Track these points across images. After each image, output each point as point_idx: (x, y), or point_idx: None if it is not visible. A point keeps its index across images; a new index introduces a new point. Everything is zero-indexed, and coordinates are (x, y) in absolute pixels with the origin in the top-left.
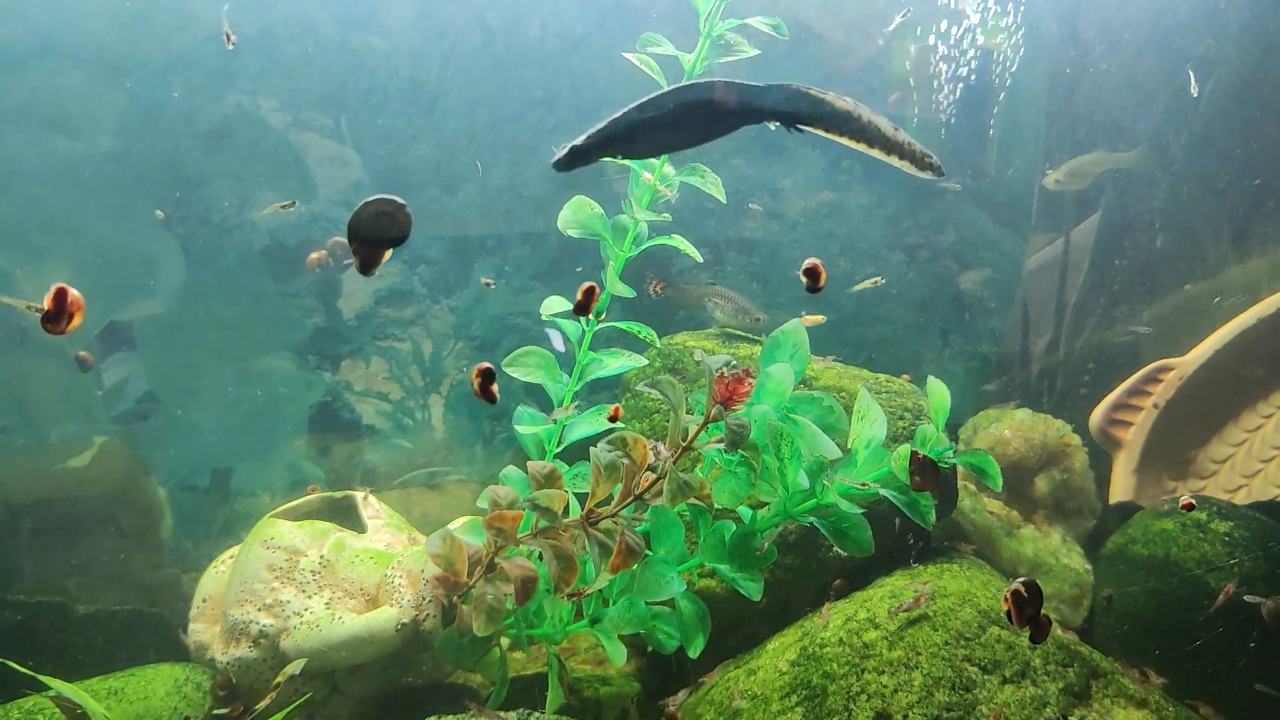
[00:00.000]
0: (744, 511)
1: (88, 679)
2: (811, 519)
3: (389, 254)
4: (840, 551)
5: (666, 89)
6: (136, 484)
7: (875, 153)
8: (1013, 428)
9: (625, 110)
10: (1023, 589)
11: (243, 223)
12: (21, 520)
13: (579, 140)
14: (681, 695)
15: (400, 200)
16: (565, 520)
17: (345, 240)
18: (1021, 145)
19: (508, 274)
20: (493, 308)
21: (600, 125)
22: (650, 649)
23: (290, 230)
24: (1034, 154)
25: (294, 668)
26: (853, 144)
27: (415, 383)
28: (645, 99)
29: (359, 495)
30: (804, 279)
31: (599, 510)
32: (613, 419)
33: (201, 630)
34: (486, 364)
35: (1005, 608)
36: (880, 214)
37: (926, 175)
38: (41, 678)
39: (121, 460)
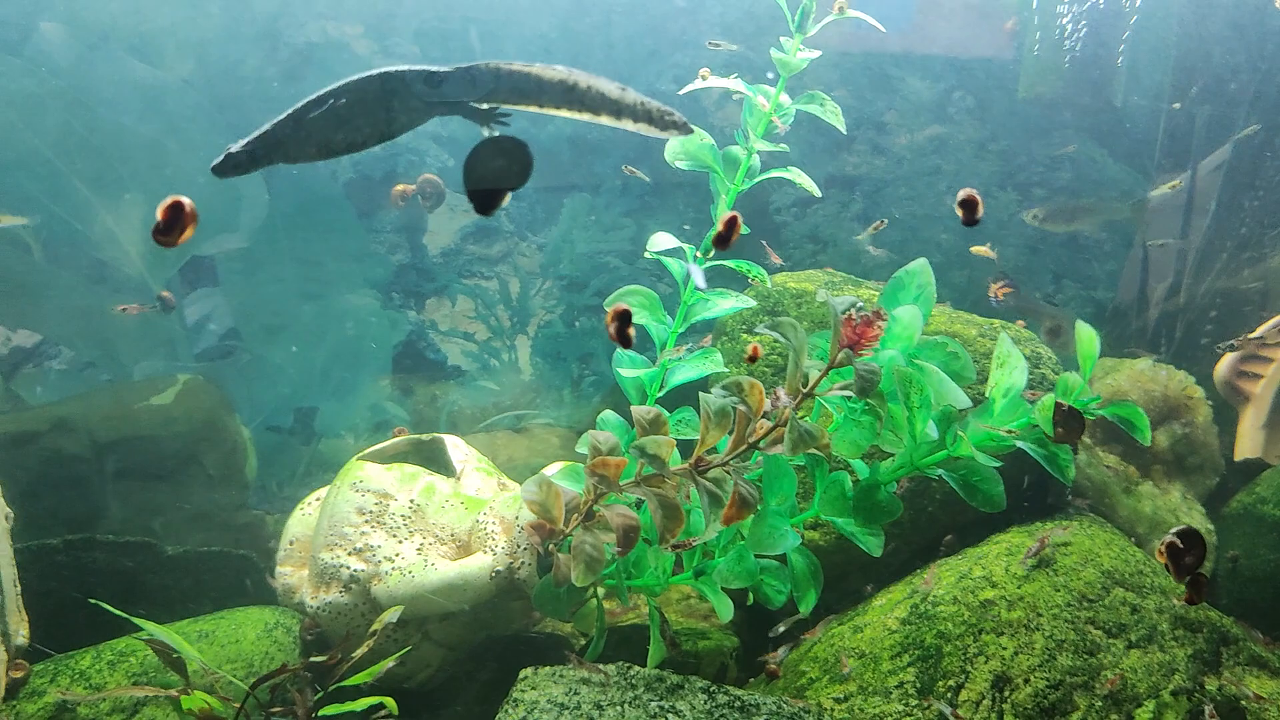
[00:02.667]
0: (857, 464)
1: (177, 621)
2: (940, 471)
3: (509, 196)
4: (941, 508)
5: (338, 83)
6: (220, 423)
7: (605, 119)
8: (1130, 378)
9: (291, 110)
10: (1178, 540)
11: None
12: (106, 458)
13: (236, 146)
14: (782, 651)
15: (520, 140)
16: (672, 468)
17: (435, 178)
18: (1150, 76)
19: (598, 211)
20: (581, 246)
21: (264, 127)
22: (749, 603)
23: (375, 163)
24: (1163, 86)
25: (391, 615)
26: (576, 115)
27: (501, 323)
28: (314, 96)
29: (447, 438)
30: (959, 211)
31: (707, 458)
32: (752, 358)
33: (289, 573)
34: (623, 305)
35: (1161, 560)
36: (992, 149)
37: (671, 134)
38: (135, 619)
39: (205, 399)
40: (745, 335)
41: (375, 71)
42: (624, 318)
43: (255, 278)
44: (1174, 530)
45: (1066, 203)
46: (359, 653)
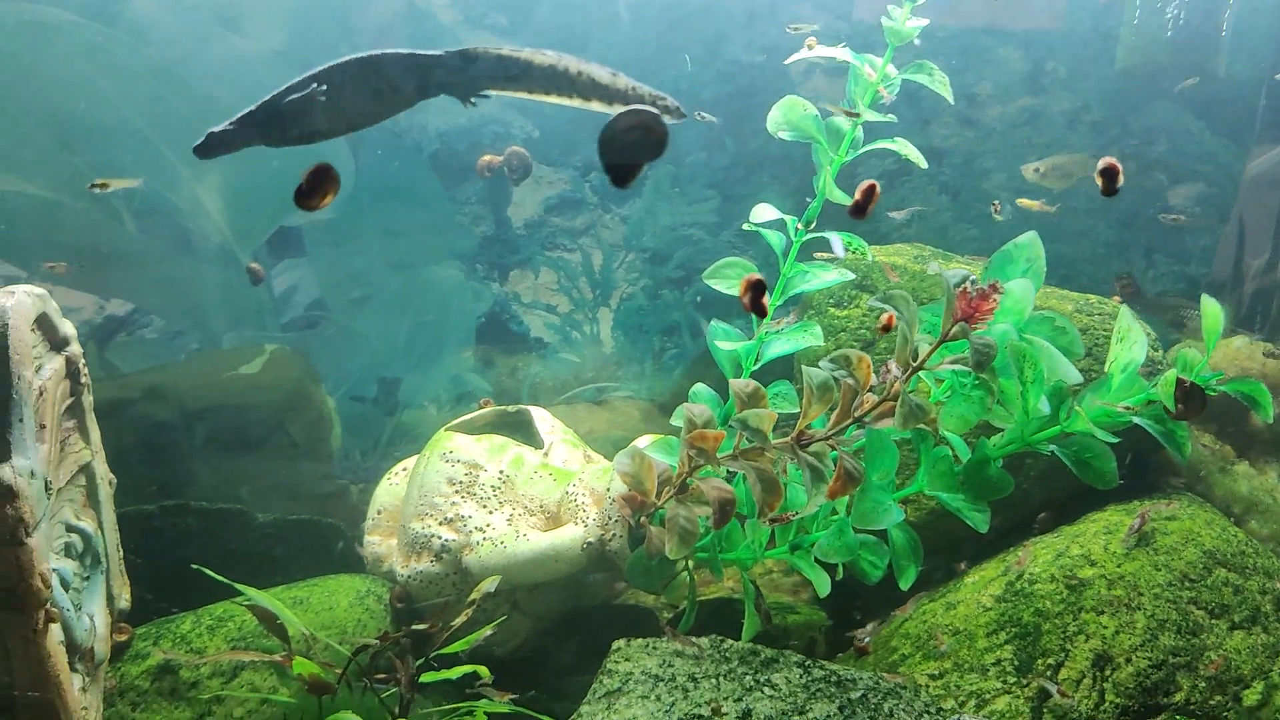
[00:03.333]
0: (956, 442)
1: (269, 588)
2: (1052, 447)
3: (645, 169)
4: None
5: (324, 66)
6: (307, 393)
7: (596, 105)
8: (1226, 357)
9: (277, 91)
10: None
11: (412, 125)
12: (196, 427)
13: (220, 127)
14: (871, 628)
15: (655, 111)
16: (775, 443)
17: (522, 150)
18: (1254, 46)
19: (681, 183)
20: (664, 218)
21: (250, 108)
22: (838, 577)
23: (460, 135)
24: (1266, 55)
25: (490, 584)
26: (566, 101)
27: (584, 295)
28: (300, 78)
29: (534, 410)
30: (1099, 180)
31: (809, 432)
32: (886, 328)
33: (377, 542)
34: (756, 275)
35: None
36: (1085, 121)
37: (666, 120)
38: (236, 585)
39: (292, 368)
40: (833, 310)
41: (364, 55)
42: (758, 288)
43: (341, 249)
44: None
45: (1067, 158)
46: (457, 621)
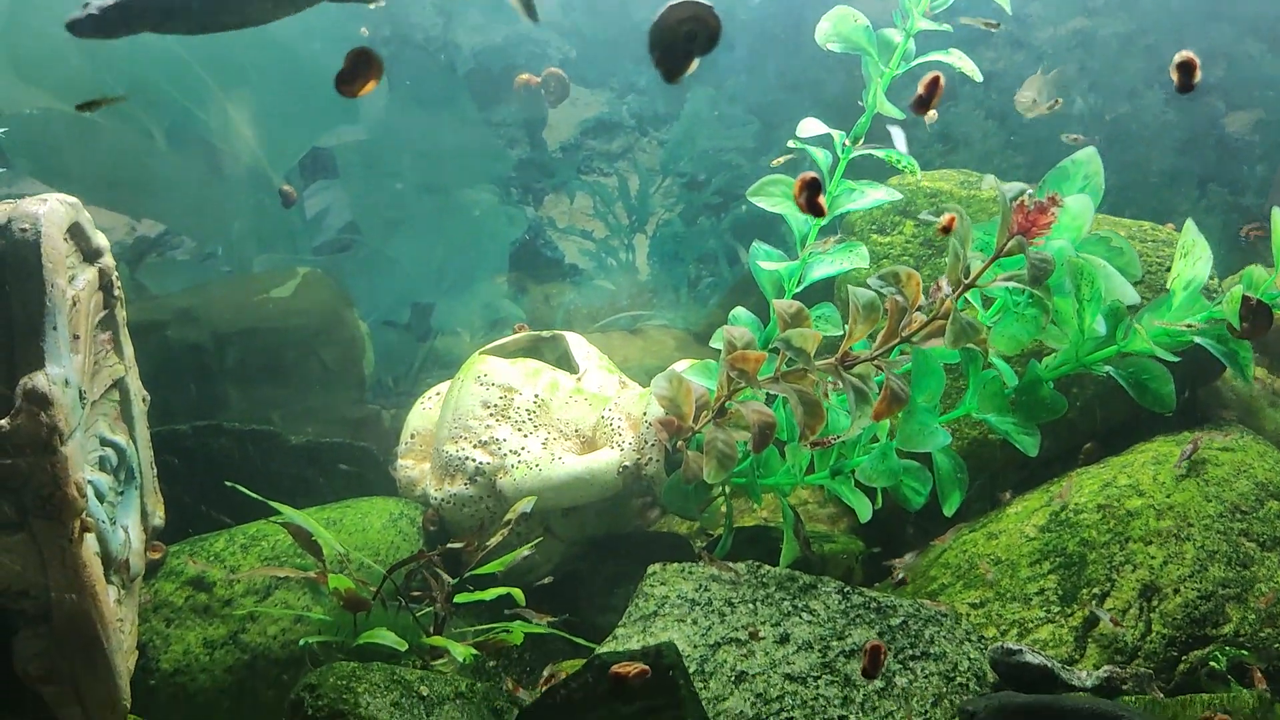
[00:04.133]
0: (1002, 366)
1: (303, 510)
2: (1107, 368)
3: (696, 63)
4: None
5: None
6: (339, 317)
7: None
8: None
9: None
10: None
11: (447, 44)
12: (227, 350)
13: (95, 7)
14: (909, 557)
15: (709, 4)
16: (819, 364)
17: (560, 71)
18: None
19: (721, 106)
20: (703, 142)
21: None
22: (876, 506)
23: (495, 54)
24: None
25: (525, 505)
26: None
27: (620, 221)
28: None
29: (569, 335)
30: (1174, 75)
31: (854, 353)
32: (946, 229)
33: (410, 466)
34: (812, 174)
35: None
36: (1140, 44)
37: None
38: (271, 503)
39: (324, 292)
40: (876, 237)
41: None
42: (813, 186)
43: (373, 171)
44: None
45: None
46: (493, 541)
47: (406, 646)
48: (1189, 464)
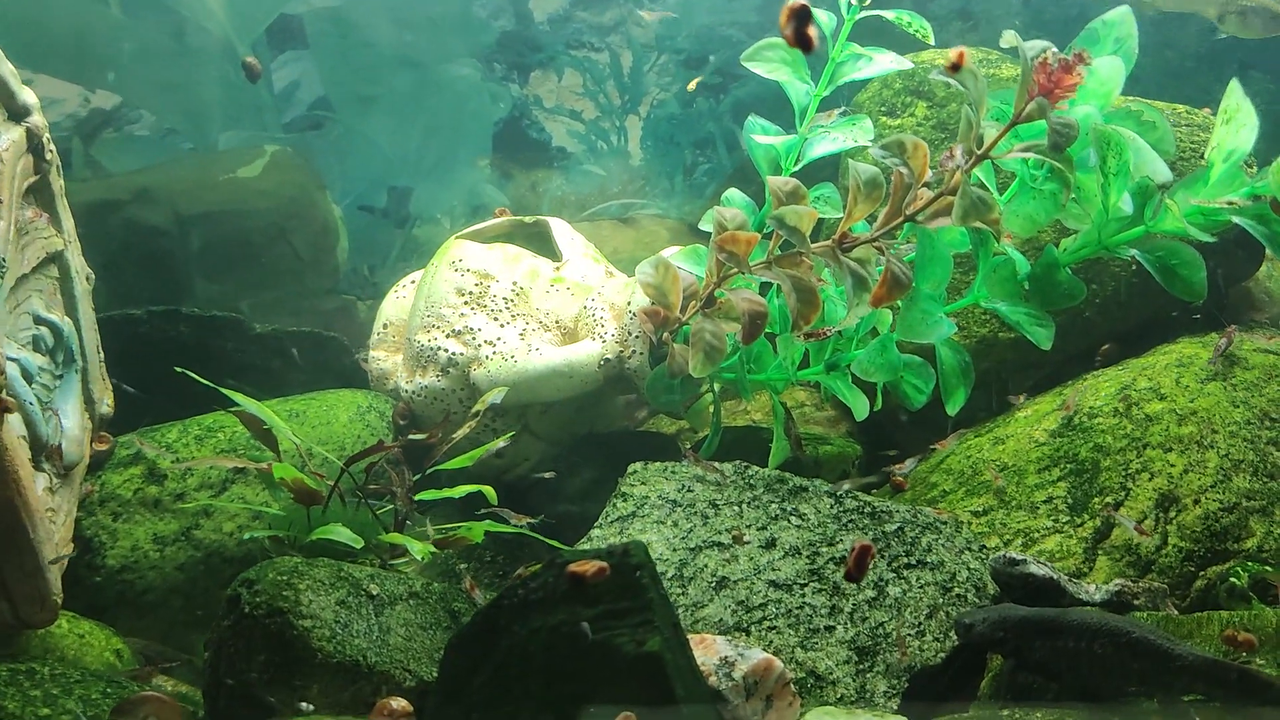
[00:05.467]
0: (1015, 255)
1: (266, 401)
2: (1133, 252)
3: None
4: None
5: None
6: (310, 199)
7: None
8: None
9: None
10: None
11: None
12: (191, 233)
13: None
14: (909, 462)
15: None
16: (814, 247)
17: None
18: None
19: None
20: (701, 16)
21: None
22: (876, 408)
23: None
24: None
25: (494, 395)
26: None
27: (611, 101)
28: None
29: (553, 221)
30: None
31: (853, 235)
32: (956, 65)
33: (382, 358)
34: (801, 1)
35: None
36: None
37: None
38: (225, 392)
39: (294, 172)
40: (885, 119)
41: None
42: (802, 15)
43: (347, 41)
44: None
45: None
46: (459, 434)
47: (362, 544)
48: (1224, 360)
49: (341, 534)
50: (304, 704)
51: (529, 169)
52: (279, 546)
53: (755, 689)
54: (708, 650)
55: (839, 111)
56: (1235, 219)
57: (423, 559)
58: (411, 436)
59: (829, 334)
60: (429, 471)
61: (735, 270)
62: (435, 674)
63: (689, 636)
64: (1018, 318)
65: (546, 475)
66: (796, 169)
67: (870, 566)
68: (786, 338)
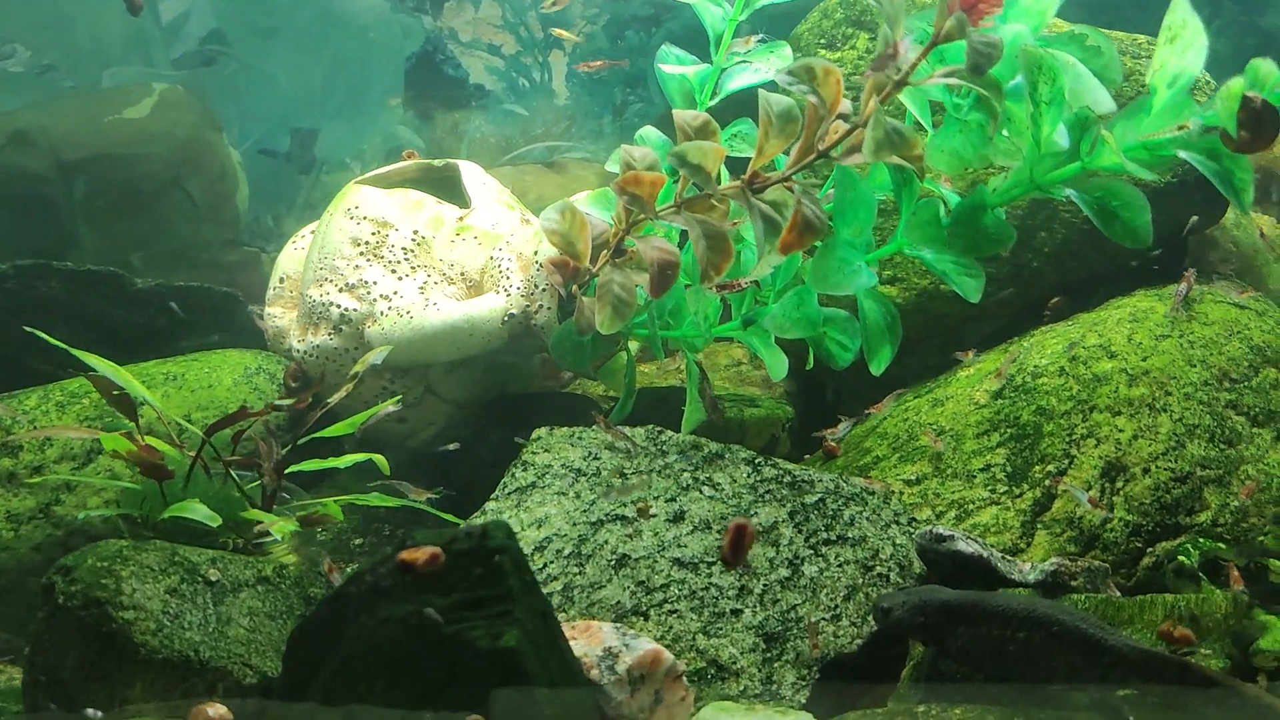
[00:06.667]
0: (950, 197)
1: (143, 362)
2: (1069, 192)
3: None
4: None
5: None
6: (205, 143)
7: None
8: None
9: None
10: None
11: None
12: (74, 180)
13: None
14: (843, 427)
15: None
16: (722, 188)
17: None
18: None
19: None
20: None
21: None
22: (808, 367)
23: None
24: None
25: (374, 356)
26: None
27: (533, 34)
28: None
29: (463, 164)
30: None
31: (765, 174)
32: None
33: (279, 315)
34: None
35: None
36: None
37: None
38: (77, 353)
39: (186, 113)
40: (824, 52)
41: None
42: None
43: None
44: None
45: None
46: (335, 398)
47: (220, 521)
48: (1184, 307)
49: (197, 511)
50: (91, 710)
51: (450, 111)
52: (132, 526)
53: (641, 683)
54: (592, 640)
55: (756, 38)
56: (1182, 153)
57: (283, 538)
58: (277, 402)
59: (744, 285)
60: (303, 440)
61: (644, 216)
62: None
63: (576, 624)
64: (944, 267)
65: (451, 447)
66: (714, 103)
67: (750, 548)
68: (697, 290)
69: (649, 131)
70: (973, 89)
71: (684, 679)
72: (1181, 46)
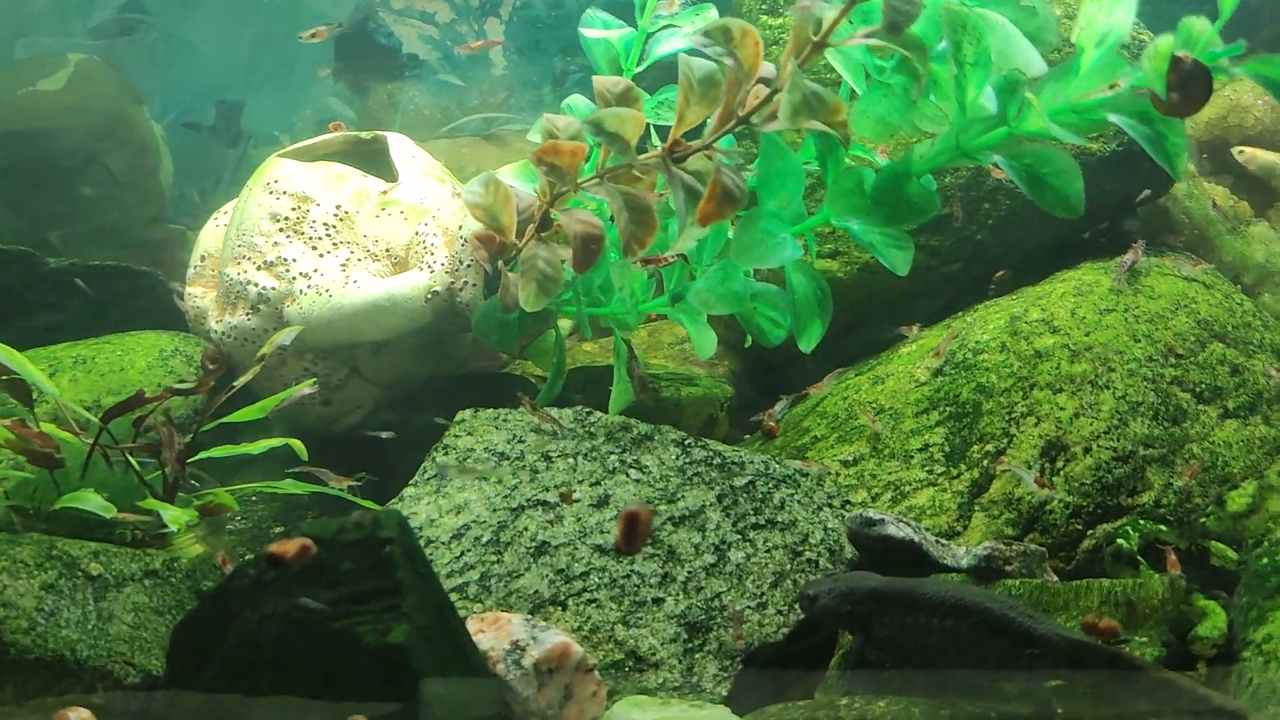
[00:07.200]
0: (874, 158)
1: (51, 346)
2: (997, 158)
3: None
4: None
5: None
6: (125, 116)
7: None
8: (1257, 90)
9: None
10: None
11: None
12: None
13: None
14: (780, 406)
15: None
16: (642, 157)
17: None
18: None
19: None
20: None
21: None
22: (746, 344)
23: None
24: None
25: (283, 337)
26: None
27: (468, 1)
28: None
29: (392, 136)
30: None
31: (686, 143)
32: None
33: (200, 295)
34: None
35: None
36: None
37: None
38: None
39: (105, 84)
40: (765, 18)
41: None
42: None
43: None
44: None
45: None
46: (242, 381)
47: (115, 512)
48: (1129, 278)
49: (90, 501)
50: None
51: (386, 82)
52: (25, 518)
53: (550, 677)
54: (500, 633)
55: (680, 0)
56: (1112, 117)
57: (179, 529)
58: (175, 387)
59: (669, 260)
60: (209, 426)
61: (565, 188)
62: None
63: (485, 616)
64: (872, 239)
65: (384, 435)
66: (640, 69)
67: (645, 536)
68: (621, 264)
69: (577, 100)
70: (897, 51)
71: (596, 672)
72: (1109, 4)
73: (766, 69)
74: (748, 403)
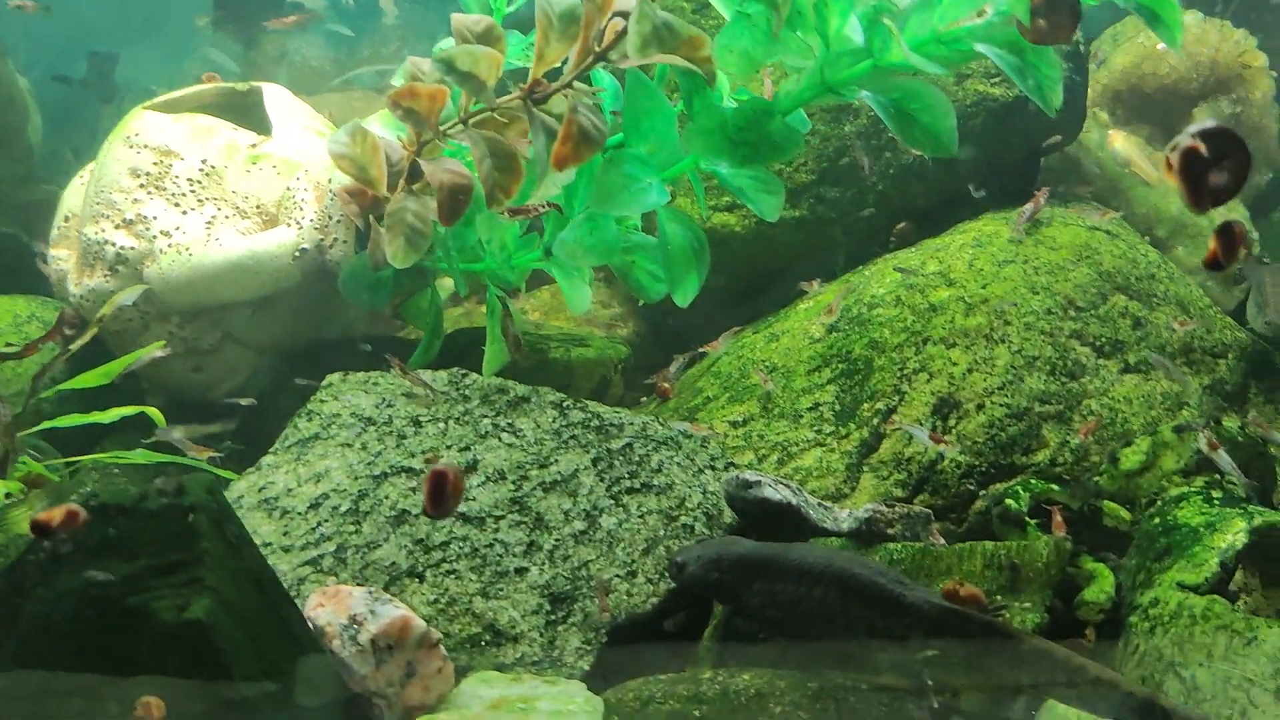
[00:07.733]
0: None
1: None
2: (864, 94)
3: None
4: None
5: None
6: None
7: None
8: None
9: None
10: (1201, 143)
11: None
12: None
13: None
14: (674, 368)
15: None
16: (501, 100)
17: None
18: None
19: None
20: None
21: None
22: (641, 303)
23: None
24: None
25: (126, 296)
26: None
27: None
28: None
29: (268, 87)
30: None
31: (547, 83)
32: None
33: (64, 257)
34: None
35: (1169, 179)
36: None
37: None
38: None
39: None
40: None
41: None
42: None
43: None
44: (1194, 130)
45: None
46: (76, 345)
47: None
48: (1030, 224)
49: None
50: None
51: (270, 31)
52: None
53: (390, 653)
54: (339, 607)
55: None
56: (980, 47)
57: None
58: (4, 349)
59: (537, 210)
60: (48, 393)
61: (431, 136)
62: None
63: (326, 590)
64: (740, 182)
65: (243, 401)
66: (512, 9)
67: (456, 497)
68: (487, 216)
69: (447, 43)
70: None
71: (441, 647)
72: None
73: (627, 1)
74: (653, 365)
